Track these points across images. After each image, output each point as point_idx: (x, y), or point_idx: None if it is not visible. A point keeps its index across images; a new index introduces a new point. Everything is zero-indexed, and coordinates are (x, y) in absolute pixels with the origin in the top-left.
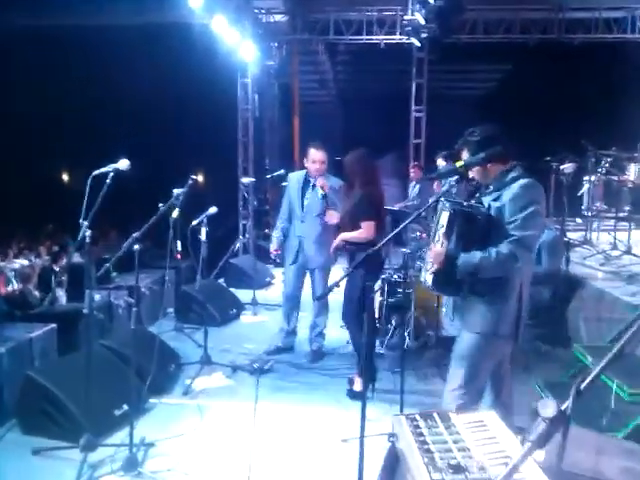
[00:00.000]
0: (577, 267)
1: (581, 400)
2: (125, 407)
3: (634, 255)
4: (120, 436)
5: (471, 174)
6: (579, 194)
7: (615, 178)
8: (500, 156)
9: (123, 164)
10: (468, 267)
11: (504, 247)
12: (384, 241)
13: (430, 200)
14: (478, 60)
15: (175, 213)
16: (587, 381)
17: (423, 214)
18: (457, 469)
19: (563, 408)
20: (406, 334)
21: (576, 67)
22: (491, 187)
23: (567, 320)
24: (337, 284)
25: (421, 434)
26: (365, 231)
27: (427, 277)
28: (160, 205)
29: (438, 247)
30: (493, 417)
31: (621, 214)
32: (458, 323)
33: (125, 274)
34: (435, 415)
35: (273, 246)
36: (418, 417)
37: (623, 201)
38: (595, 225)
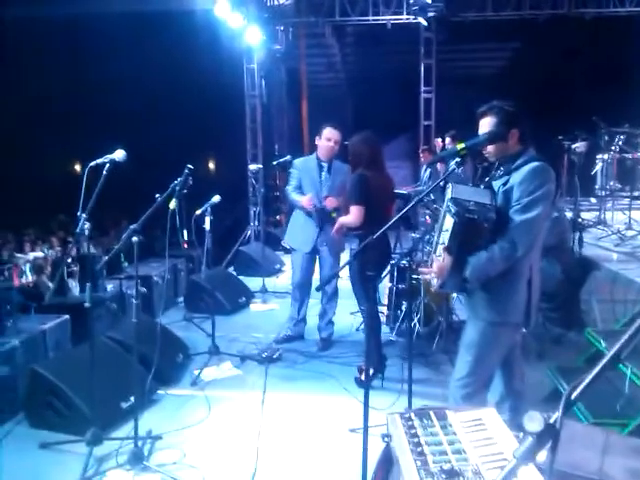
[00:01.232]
0: (591, 248)
1: (596, 386)
2: (132, 399)
3: None
4: (127, 429)
5: (489, 149)
6: (592, 173)
7: (629, 156)
8: (504, 137)
9: (119, 154)
10: (476, 274)
11: (504, 240)
12: (383, 229)
13: (431, 185)
14: (487, 39)
15: (172, 204)
16: (578, 390)
17: (432, 197)
18: (450, 474)
19: (552, 421)
20: (416, 320)
21: (587, 43)
22: (501, 170)
23: (580, 303)
24: (337, 274)
25: (415, 435)
26: (352, 215)
27: (433, 281)
28: (157, 196)
29: (441, 259)
30: (492, 415)
31: (636, 192)
32: (466, 311)
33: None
34: (431, 413)
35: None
36: (413, 415)
37: (638, 179)
38: (609, 205)
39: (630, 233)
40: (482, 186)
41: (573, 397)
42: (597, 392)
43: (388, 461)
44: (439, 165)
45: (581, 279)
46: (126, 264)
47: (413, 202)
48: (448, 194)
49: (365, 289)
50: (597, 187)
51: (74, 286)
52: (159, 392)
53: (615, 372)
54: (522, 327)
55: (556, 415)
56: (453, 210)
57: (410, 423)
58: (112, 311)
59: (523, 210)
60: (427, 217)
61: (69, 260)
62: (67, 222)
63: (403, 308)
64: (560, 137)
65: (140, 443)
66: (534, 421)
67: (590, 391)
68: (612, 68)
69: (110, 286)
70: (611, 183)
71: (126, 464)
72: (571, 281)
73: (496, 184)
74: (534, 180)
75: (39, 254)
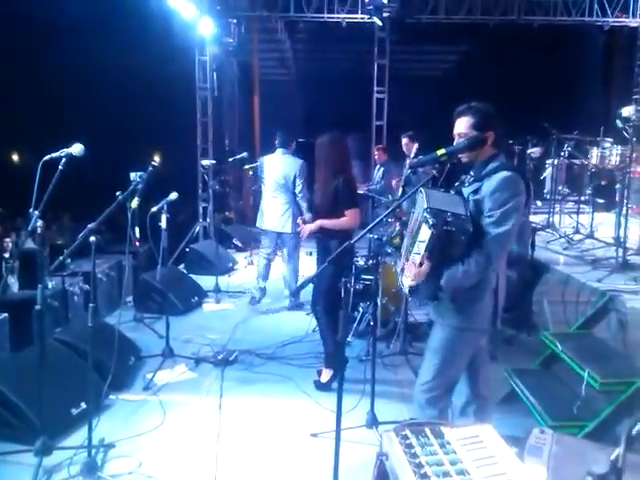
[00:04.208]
0: (541, 251)
1: (553, 389)
2: (83, 405)
3: (596, 239)
4: (78, 437)
5: (461, 156)
6: (542, 178)
7: (577, 162)
8: (484, 143)
9: (76, 149)
10: (451, 284)
11: (479, 254)
12: (362, 234)
13: (403, 188)
14: (439, 41)
15: (134, 203)
16: (639, 426)
17: (390, 197)
18: None
19: (613, 458)
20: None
21: (536, 49)
22: (470, 176)
23: (531, 305)
24: (313, 280)
25: (415, 455)
26: (350, 219)
27: (404, 283)
28: (118, 193)
29: (418, 264)
30: (489, 431)
31: (583, 197)
32: (432, 315)
33: (79, 260)
34: (427, 430)
35: None
36: (409, 433)
37: (585, 185)
38: (557, 208)
39: (577, 237)
40: (452, 191)
41: (634, 433)
42: (555, 395)
43: None
44: (394, 182)
45: (533, 281)
46: (69, 260)
47: (392, 208)
48: (423, 202)
49: (335, 293)
50: (546, 191)
51: (12, 282)
52: (110, 397)
53: (572, 376)
54: (487, 332)
55: (617, 452)
56: (431, 222)
57: (407, 441)
58: (53, 309)
59: (497, 224)
60: (394, 220)
61: (6, 255)
62: (4, 215)
63: (360, 309)
64: (510, 141)
65: (93, 452)
66: (600, 464)
67: (548, 394)
68: (560, 75)
69: (51, 283)
70: (560, 188)
71: (79, 475)
72: (523, 283)
73: (466, 191)
74: (506, 191)
75: None
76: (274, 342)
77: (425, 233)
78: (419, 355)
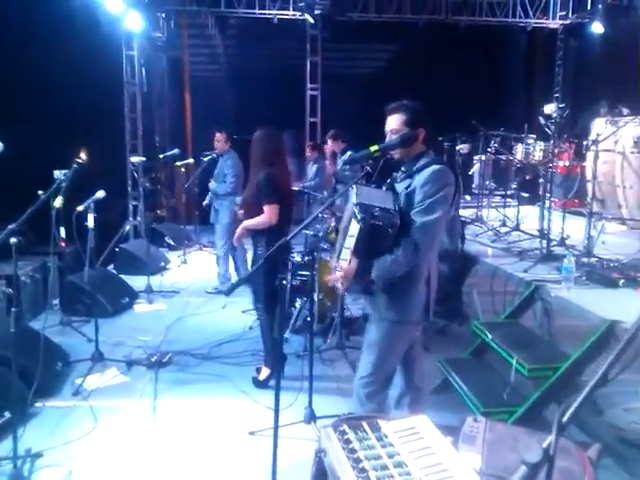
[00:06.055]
0: (470, 244)
1: (484, 377)
2: (7, 415)
3: (522, 231)
4: (2, 447)
5: (393, 153)
6: (470, 173)
7: (503, 158)
8: (415, 140)
9: None
10: (382, 275)
11: (407, 243)
12: (298, 230)
13: (335, 185)
14: (370, 39)
15: (58, 202)
16: (569, 414)
17: (325, 193)
18: None
19: (545, 446)
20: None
21: (464, 49)
22: (402, 172)
23: (462, 296)
24: (248, 279)
25: (353, 450)
26: (267, 215)
27: (338, 284)
28: (40, 192)
29: (346, 263)
30: (424, 422)
31: (509, 192)
32: (369, 310)
33: (0, 263)
34: (364, 424)
35: None
36: (347, 428)
37: (511, 179)
38: (485, 203)
39: (504, 230)
40: (384, 187)
41: (564, 420)
42: (486, 383)
43: (322, 477)
44: (329, 163)
45: (463, 273)
46: None
47: (326, 204)
48: (353, 198)
49: (272, 290)
50: (474, 186)
51: None
52: (37, 405)
53: (502, 363)
54: (421, 324)
55: (549, 440)
56: (359, 216)
57: (346, 437)
58: None
59: (424, 212)
60: (330, 217)
61: None
62: None
63: (297, 305)
64: (440, 138)
65: (19, 463)
66: (534, 452)
67: (480, 382)
68: (486, 74)
69: None
70: (487, 182)
71: None
72: (453, 275)
73: (399, 187)
74: (435, 183)
75: None
76: (210, 341)
77: (354, 228)
78: (356, 349)
